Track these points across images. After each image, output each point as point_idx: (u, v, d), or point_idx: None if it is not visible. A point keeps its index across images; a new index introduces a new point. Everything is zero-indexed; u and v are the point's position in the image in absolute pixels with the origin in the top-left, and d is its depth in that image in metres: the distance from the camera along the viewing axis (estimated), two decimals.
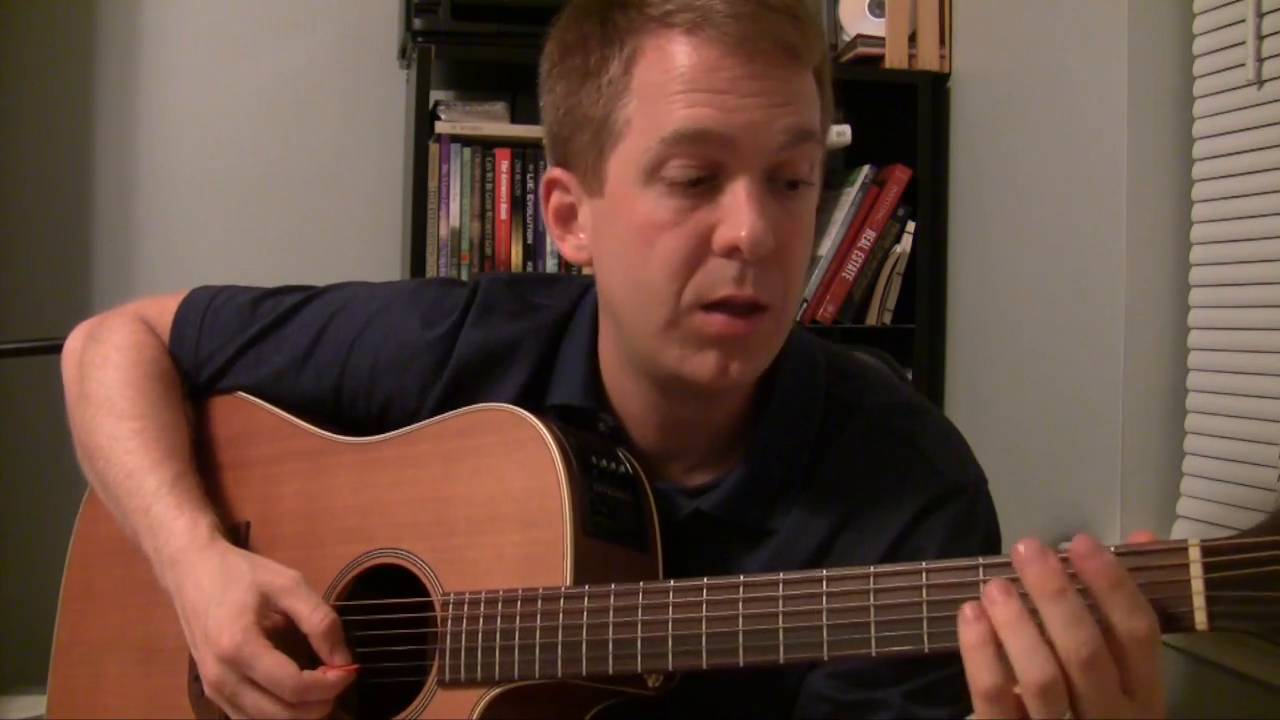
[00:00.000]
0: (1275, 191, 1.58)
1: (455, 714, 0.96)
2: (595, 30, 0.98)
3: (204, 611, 1.01)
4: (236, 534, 1.13)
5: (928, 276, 2.33)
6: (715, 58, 0.92)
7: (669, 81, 0.93)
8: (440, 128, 2.26)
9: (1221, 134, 1.67)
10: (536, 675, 0.93)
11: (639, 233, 0.96)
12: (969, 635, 0.76)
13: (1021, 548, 0.76)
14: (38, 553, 1.97)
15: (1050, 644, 0.74)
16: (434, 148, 2.24)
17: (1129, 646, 0.74)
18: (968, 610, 0.76)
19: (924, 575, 0.81)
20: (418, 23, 2.22)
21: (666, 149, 0.93)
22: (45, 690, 1.26)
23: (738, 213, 0.92)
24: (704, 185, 0.93)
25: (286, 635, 1.00)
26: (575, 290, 1.12)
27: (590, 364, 1.08)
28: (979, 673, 0.75)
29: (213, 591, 1.01)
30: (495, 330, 1.11)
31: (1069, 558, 0.75)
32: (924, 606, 0.81)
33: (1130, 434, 1.76)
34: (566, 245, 1.05)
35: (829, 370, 1.09)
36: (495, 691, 0.96)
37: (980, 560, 0.80)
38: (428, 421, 1.08)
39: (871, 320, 2.34)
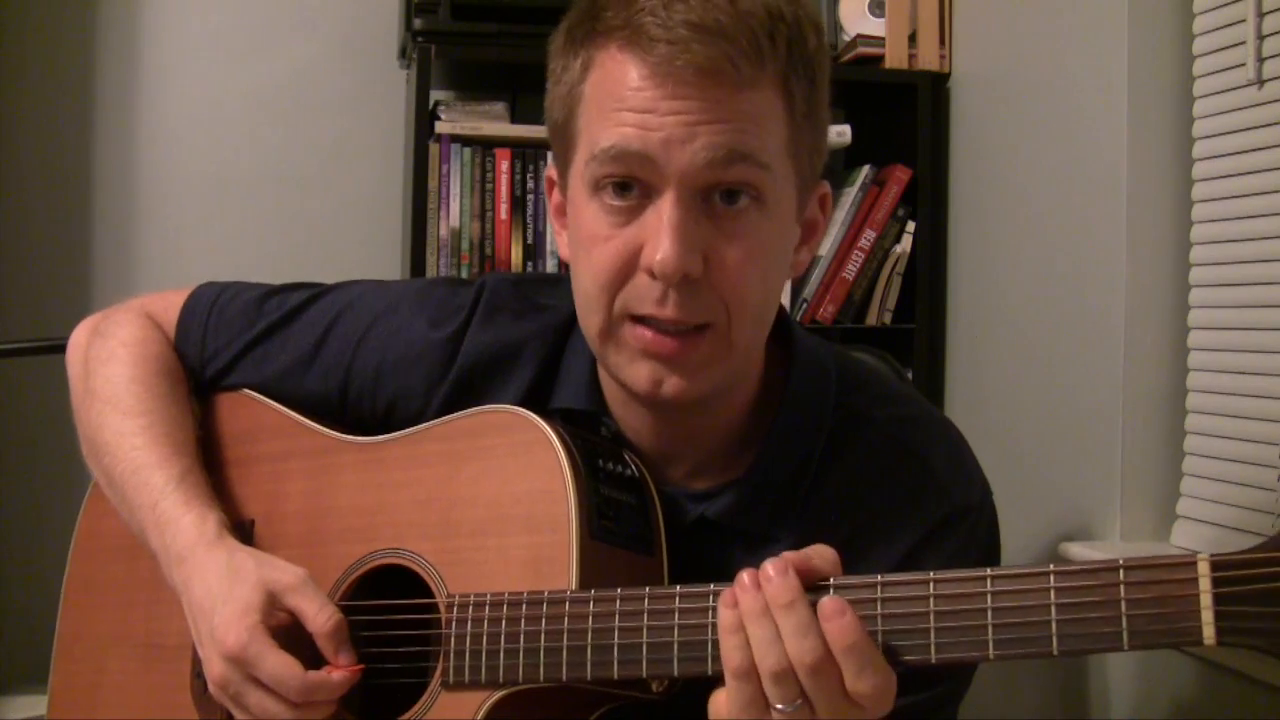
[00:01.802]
0: (1275, 191, 1.57)
1: (459, 715, 0.97)
2: (565, 37, 1.00)
3: (210, 609, 1.01)
4: (241, 532, 1.12)
5: (927, 276, 2.33)
6: (641, 77, 0.93)
7: (607, 97, 0.94)
8: (440, 128, 2.25)
9: (1221, 134, 1.66)
10: (541, 679, 0.94)
11: (582, 242, 0.98)
12: (723, 619, 0.85)
13: (769, 566, 0.84)
14: (38, 554, 1.97)
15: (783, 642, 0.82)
16: (434, 148, 2.23)
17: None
18: (726, 595, 0.85)
19: (931, 585, 0.82)
20: (418, 23, 2.22)
21: (599, 165, 0.94)
22: (46, 689, 1.26)
23: (658, 235, 0.93)
24: (635, 202, 0.94)
25: (292, 633, 1.00)
26: None
27: (593, 367, 1.08)
28: (730, 653, 0.84)
29: (219, 589, 1.01)
30: (501, 331, 1.11)
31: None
32: (931, 617, 0.81)
33: (1130, 434, 1.75)
34: (562, 242, 1.07)
35: (840, 379, 1.08)
36: (499, 694, 0.96)
37: (989, 571, 0.81)
38: (434, 422, 1.08)
39: (871, 320, 2.33)
